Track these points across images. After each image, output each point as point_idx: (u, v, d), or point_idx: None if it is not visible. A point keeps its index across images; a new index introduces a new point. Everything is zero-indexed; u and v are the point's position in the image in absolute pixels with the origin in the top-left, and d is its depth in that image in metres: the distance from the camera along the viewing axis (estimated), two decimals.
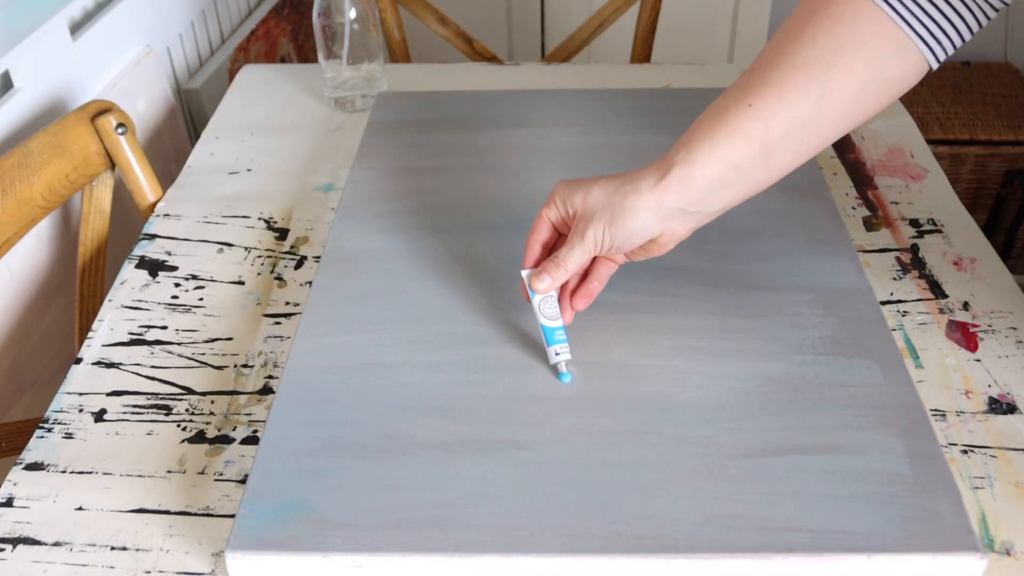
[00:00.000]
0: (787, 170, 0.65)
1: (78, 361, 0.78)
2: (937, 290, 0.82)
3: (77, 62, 1.14)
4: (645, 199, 0.65)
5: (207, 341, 0.80)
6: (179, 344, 0.80)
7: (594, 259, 0.72)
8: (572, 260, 0.68)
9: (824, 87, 0.61)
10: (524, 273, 0.71)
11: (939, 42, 0.61)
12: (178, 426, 0.72)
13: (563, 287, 0.73)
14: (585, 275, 0.73)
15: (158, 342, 0.80)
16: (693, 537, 0.58)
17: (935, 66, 0.62)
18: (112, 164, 1.01)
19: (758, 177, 0.65)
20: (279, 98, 1.17)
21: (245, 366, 0.77)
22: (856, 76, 0.61)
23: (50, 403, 0.75)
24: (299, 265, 0.88)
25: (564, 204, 0.69)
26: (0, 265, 0.98)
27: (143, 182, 1.01)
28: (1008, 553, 0.61)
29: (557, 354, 0.69)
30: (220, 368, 0.77)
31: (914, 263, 0.86)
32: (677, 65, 1.20)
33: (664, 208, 0.65)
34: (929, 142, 1.26)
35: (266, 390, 0.75)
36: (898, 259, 0.86)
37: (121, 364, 0.78)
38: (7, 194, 0.91)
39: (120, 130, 0.99)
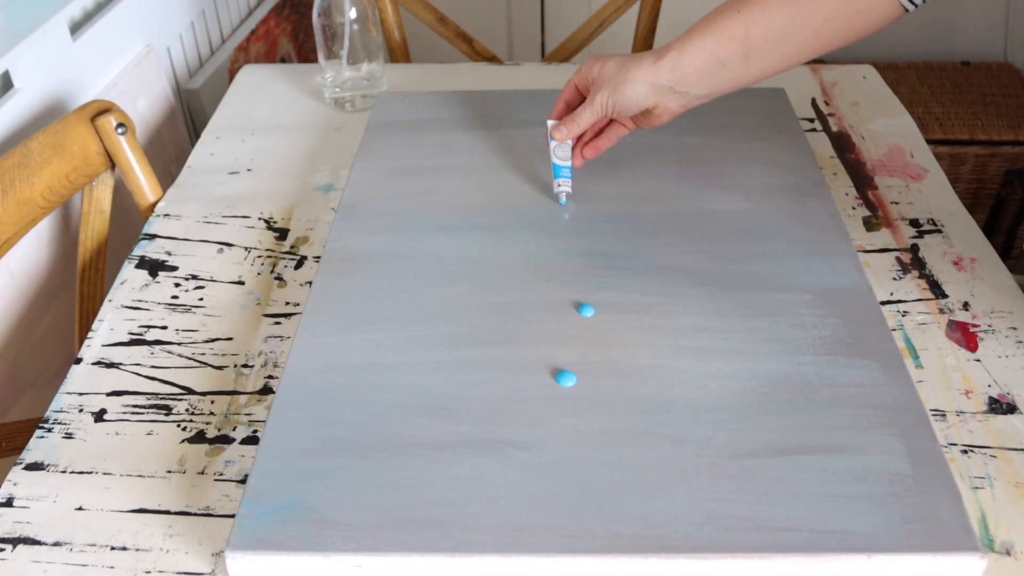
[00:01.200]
0: (766, 74, 0.78)
1: (78, 361, 0.78)
2: (937, 290, 0.82)
3: (77, 62, 1.14)
4: (642, 74, 0.79)
5: (207, 341, 0.80)
6: (179, 344, 0.80)
7: (610, 121, 0.88)
8: (583, 118, 0.84)
9: (800, 5, 0.74)
10: (549, 123, 0.87)
11: None
12: (178, 426, 0.72)
13: (579, 138, 0.89)
14: (600, 134, 0.89)
15: (158, 342, 0.80)
16: (693, 537, 0.58)
17: (910, 9, 0.73)
18: (112, 164, 1.01)
19: (740, 74, 0.78)
20: (279, 98, 1.17)
21: (245, 366, 0.77)
22: (829, 1, 0.74)
23: (50, 403, 0.75)
24: (299, 265, 0.88)
25: (586, 71, 0.84)
26: (0, 265, 0.98)
27: (143, 182, 1.01)
28: (1008, 553, 0.61)
29: (559, 186, 0.88)
30: (220, 368, 0.77)
31: (914, 263, 0.86)
32: None
33: (656, 84, 0.79)
34: (929, 142, 1.26)
35: (266, 390, 0.75)
36: (898, 259, 0.86)
37: (121, 364, 0.78)
38: (7, 194, 0.91)
39: (120, 130, 0.99)
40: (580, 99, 0.87)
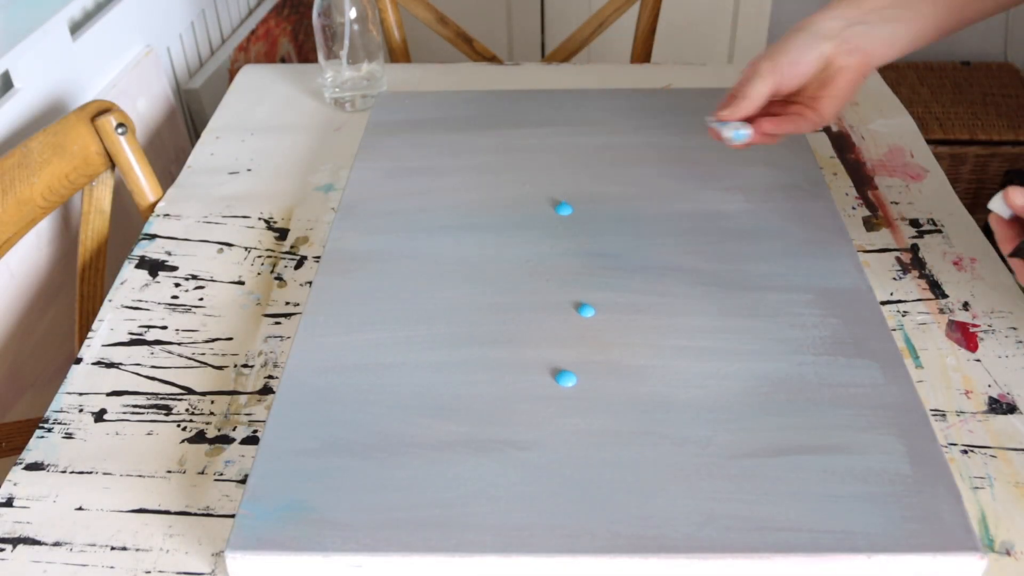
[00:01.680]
0: (951, 23, 0.69)
1: (78, 361, 0.78)
2: (937, 290, 0.82)
3: (77, 62, 1.14)
4: (805, 21, 0.70)
5: (207, 341, 0.80)
6: (179, 344, 0.80)
7: (793, 115, 0.76)
8: (753, 88, 0.72)
9: None
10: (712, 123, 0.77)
11: None
12: (178, 426, 0.72)
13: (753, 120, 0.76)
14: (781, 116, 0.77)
15: (158, 342, 0.80)
16: (693, 537, 0.58)
17: None
18: (112, 164, 1.01)
19: (924, 15, 0.68)
20: (279, 98, 1.17)
21: (245, 366, 0.77)
22: None
23: (50, 403, 0.75)
24: (299, 265, 0.88)
25: (746, 71, 0.74)
26: (0, 265, 0.98)
27: (143, 182, 1.01)
28: (1008, 553, 0.61)
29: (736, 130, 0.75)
30: (220, 368, 0.77)
31: (914, 263, 0.86)
32: (677, 65, 1.20)
33: (824, 25, 0.69)
34: (929, 142, 1.26)
35: (266, 390, 0.75)
36: (898, 259, 0.86)
37: (121, 364, 0.78)
38: (7, 194, 0.91)
39: (120, 130, 0.99)
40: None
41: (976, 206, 1.92)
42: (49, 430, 0.72)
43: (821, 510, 0.59)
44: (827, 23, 0.70)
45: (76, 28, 1.17)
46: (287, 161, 1.04)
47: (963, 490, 0.65)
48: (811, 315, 0.75)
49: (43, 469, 0.69)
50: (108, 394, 0.75)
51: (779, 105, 0.77)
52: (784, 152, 0.95)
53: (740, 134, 0.75)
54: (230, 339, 0.80)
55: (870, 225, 0.91)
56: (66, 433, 0.72)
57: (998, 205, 0.62)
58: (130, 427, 0.72)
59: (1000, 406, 0.71)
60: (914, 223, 0.91)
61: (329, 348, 0.73)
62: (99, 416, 0.73)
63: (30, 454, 0.70)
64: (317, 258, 0.89)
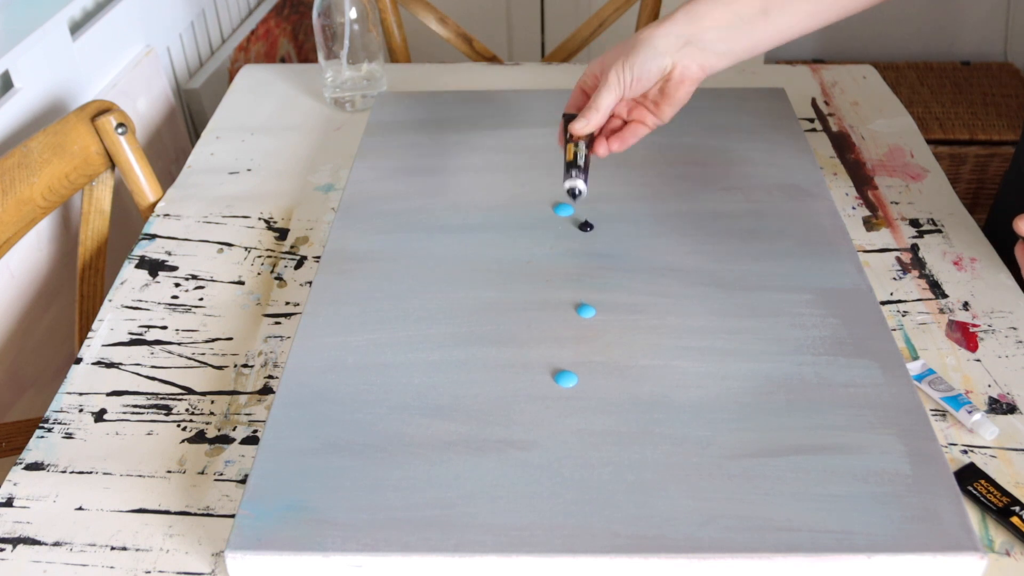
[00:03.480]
0: (785, 35, 0.73)
1: (78, 361, 0.78)
2: (937, 290, 0.82)
3: (77, 62, 1.14)
4: (653, 31, 0.74)
5: (207, 341, 0.80)
6: (179, 344, 0.80)
7: (626, 123, 0.81)
8: (602, 101, 0.76)
9: None
10: (565, 117, 0.80)
11: None
12: (178, 426, 0.72)
13: (600, 130, 0.81)
14: (622, 129, 0.82)
15: (158, 342, 0.80)
16: (693, 537, 0.58)
17: None
18: (112, 164, 1.01)
19: (759, 32, 0.73)
20: (279, 98, 1.17)
21: (245, 366, 0.77)
22: None
23: (50, 403, 0.75)
24: (299, 265, 0.88)
25: (590, 71, 0.79)
26: (0, 265, 0.98)
27: (143, 182, 1.01)
28: (1008, 554, 0.61)
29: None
30: (220, 368, 0.77)
31: (914, 263, 0.86)
32: None
33: (671, 36, 0.74)
34: (929, 142, 1.26)
35: (266, 390, 0.75)
36: (898, 259, 0.86)
37: (121, 364, 0.78)
38: (7, 194, 0.91)
39: (120, 130, 0.99)
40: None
41: (976, 206, 1.92)
42: (49, 430, 0.72)
43: (821, 510, 0.59)
44: (668, 40, 0.74)
45: (76, 28, 1.17)
46: (287, 161, 1.04)
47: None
48: (811, 315, 0.74)
49: (43, 469, 0.69)
50: (108, 394, 0.75)
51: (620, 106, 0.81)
52: (784, 152, 0.95)
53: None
54: (230, 339, 0.80)
55: (870, 225, 0.91)
56: (66, 433, 0.72)
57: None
58: (130, 427, 0.72)
59: (1000, 406, 0.71)
60: (914, 223, 0.91)
61: (329, 348, 0.73)
62: (99, 416, 0.73)
63: (30, 454, 0.70)
64: (317, 258, 0.89)
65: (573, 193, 0.77)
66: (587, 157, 0.78)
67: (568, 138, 0.79)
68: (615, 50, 0.77)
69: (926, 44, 2.20)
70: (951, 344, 0.77)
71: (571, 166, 0.78)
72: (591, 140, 0.79)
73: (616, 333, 0.74)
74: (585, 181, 0.77)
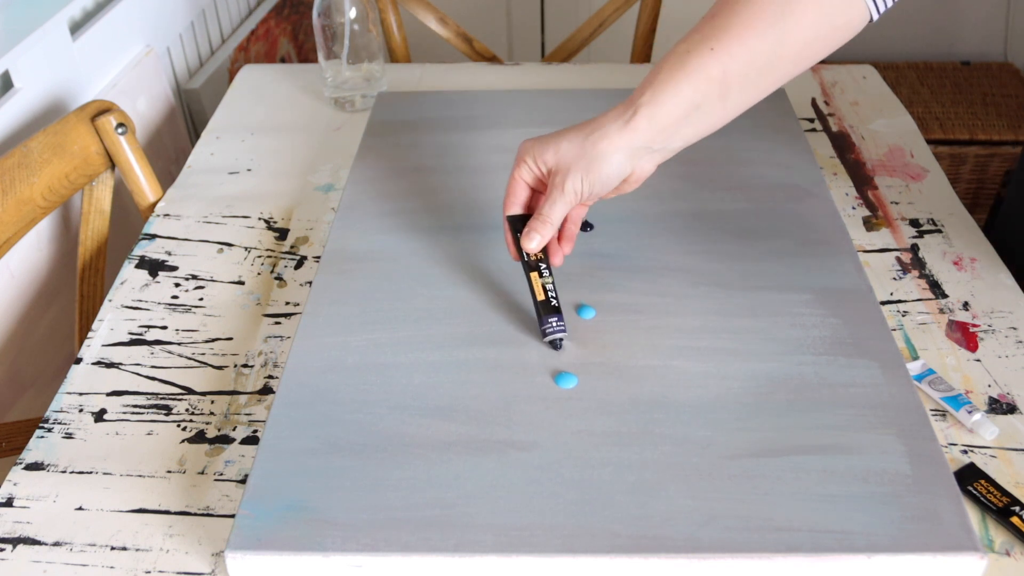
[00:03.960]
0: (742, 109, 0.70)
1: (78, 361, 0.78)
2: (937, 290, 0.82)
3: (77, 62, 1.14)
4: (616, 142, 0.69)
5: (207, 341, 0.80)
6: (179, 344, 0.80)
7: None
8: (556, 214, 0.72)
9: (781, 33, 0.66)
10: (510, 220, 0.74)
11: None
12: (178, 426, 0.72)
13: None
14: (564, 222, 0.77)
15: (158, 342, 0.80)
16: (693, 537, 0.58)
17: (875, 17, 0.67)
18: (112, 164, 1.01)
19: (717, 116, 0.70)
20: (279, 98, 1.17)
21: (245, 366, 0.77)
22: (809, 22, 0.66)
23: (50, 403, 0.75)
24: (299, 265, 0.88)
25: (536, 163, 0.73)
26: (0, 265, 0.98)
27: (143, 182, 1.01)
28: (1008, 554, 0.61)
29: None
30: (220, 368, 0.77)
31: (914, 263, 0.86)
32: None
33: (633, 148, 0.70)
34: (929, 142, 1.26)
35: (266, 390, 0.75)
36: (898, 259, 0.86)
37: (121, 364, 0.78)
38: (7, 194, 0.91)
39: (120, 130, 0.99)
40: (532, 194, 0.75)
41: (976, 206, 1.92)
42: (49, 430, 0.72)
43: (821, 510, 0.59)
44: (630, 151, 0.70)
45: (76, 28, 1.17)
46: (287, 161, 1.04)
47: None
48: (811, 315, 0.74)
49: (43, 469, 0.69)
50: (108, 394, 0.75)
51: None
52: (784, 152, 0.95)
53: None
54: (230, 339, 0.80)
55: (870, 225, 0.91)
56: (66, 433, 0.72)
57: None
58: (130, 427, 0.72)
59: (1000, 406, 0.71)
60: (914, 223, 0.91)
61: (329, 348, 0.73)
62: (99, 416, 0.73)
63: (30, 454, 0.70)
64: (317, 258, 0.89)
65: (556, 345, 0.72)
66: (554, 284, 0.73)
67: (524, 258, 0.74)
68: (565, 146, 0.71)
69: (926, 44, 2.20)
70: (951, 344, 0.77)
71: (546, 310, 0.72)
72: (545, 251, 0.75)
73: (616, 333, 0.74)
74: (563, 319, 0.72)
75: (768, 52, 0.67)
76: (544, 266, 0.74)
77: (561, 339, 0.72)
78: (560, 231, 0.76)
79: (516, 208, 0.75)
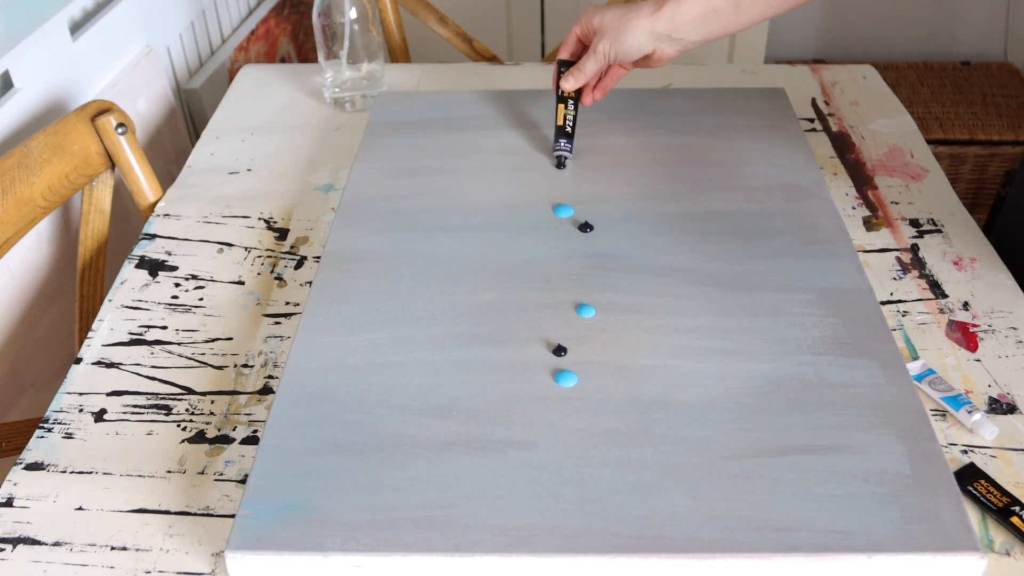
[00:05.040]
0: (754, 21, 0.84)
1: (78, 361, 0.78)
2: (937, 290, 0.82)
3: (77, 62, 1.14)
4: (643, 24, 0.85)
5: (207, 341, 0.80)
6: (179, 344, 0.80)
7: (609, 66, 0.92)
8: (588, 67, 0.90)
9: None
10: (560, 63, 0.93)
11: None
12: (178, 426, 0.72)
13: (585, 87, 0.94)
14: (603, 76, 0.95)
15: (158, 342, 0.80)
16: (693, 537, 0.58)
17: None
18: (112, 164, 1.01)
19: (731, 21, 0.83)
20: (279, 98, 1.17)
21: (245, 366, 0.77)
22: None
23: (50, 403, 0.75)
24: (299, 265, 0.88)
25: (587, 22, 0.89)
26: (0, 265, 0.98)
27: (143, 182, 1.01)
28: (1008, 554, 0.61)
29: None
30: (220, 368, 0.77)
31: (914, 263, 0.86)
32: (677, 65, 1.19)
33: (655, 32, 0.85)
34: (929, 142, 1.26)
35: (266, 390, 0.75)
36: (898, 259, 0.86)
37: (121, 364, 0.78)
38: (7, 194, 0.91)
39: (120, 130, 0.99)
40: (582, 48, 0.92)
41: (976, 206, 1.92)
42: (49, 430, 0.72)
43: (821, 510, 0.59)
44: (652, 33, 0.84)
45: (76, 28, 1.17)
46: (287, 161, 1.04)
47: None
48: (811, 315, 0.74)
49: (43, 469, 0.69)
50: (108, 394, 0.75)
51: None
52: (784, 152, 0.95)
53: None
54: (230, 339, 0.80)
55: (870, 225, 0.91)
56: (66, 433, 0.72)
57: None
58: (130, 427, 0.72)
59: (1000, 406, 0.71)
60: (914, 223, 0.91)
61: (329, 348, 0.73)
62: (99, 416, 0.73)
63: (30, 454, 0.70)
64: (317, 258, 0.89)
65: (560, 162, 0.93)
66: (575, 119, 0.93)
67: (559, 95, 0.93)
68: (609, 16, 0.87)
69: (926, 44, 2.20)
70: (951, 344, 0.77)
71: (561, 134, 0.93)
72: (579, 92, 0.94)
73: (616, 333, 0.74)
74: (571, 144, 0.93)
75: None
76: (572, 102, 0.93)
77: (565, 157, 0.93)
78: (598, 82, 0.94)
79: (565, 54, 0.92)
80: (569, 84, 0.91)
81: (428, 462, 0.63)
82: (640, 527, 0.58)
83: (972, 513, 0.63)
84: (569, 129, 0.93)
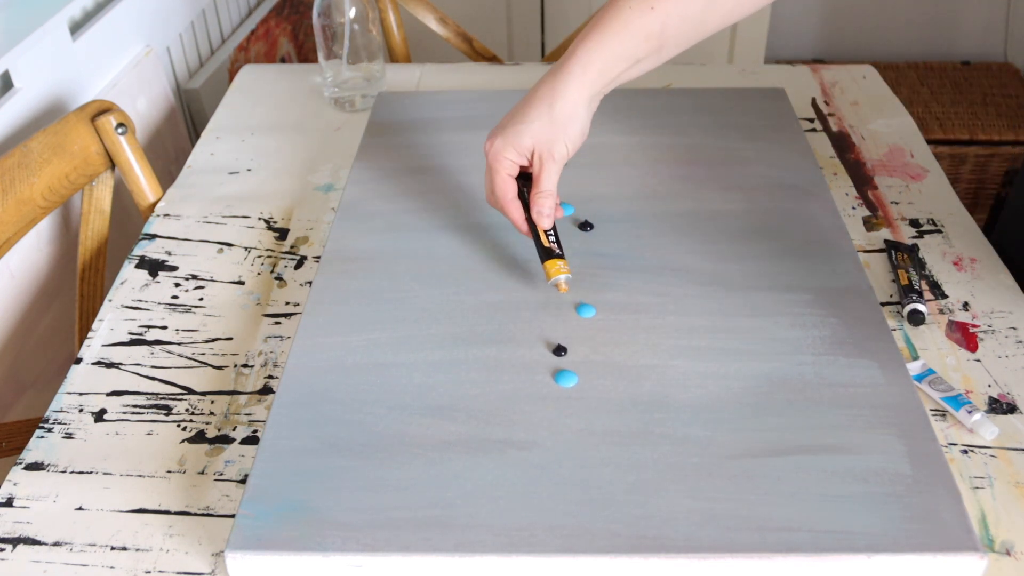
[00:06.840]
0: (671, 57, 0.79)
1: (78, 361, 0.78)
2: (937, 290, 0.82)
3: (77, 62, 1.14)
4: (577, 102, 0.76)
5: (207, 341, 0.80)
6: (179, 344, 0.80)
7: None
8: (553, 182, 0.77)
9: None
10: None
11: None
12: (178, 426, 0.72)
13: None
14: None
15: (158, 342, 0.80)
16: (693, 537, 0.58)
17: None
18: (112, 164, 1.01)
19: (652, 64, 0.78)
20: (279, 98, 1.17)
21: (245, 366, 0.77)
22: None
23: (50, 403, 0.75)
24: (299, 265, 0.88)
25: (517, 152, 0.76)
26: (0, 265, 0.98)
27: (143, 182, 1.01)
28: (1008, 553, 0.61)
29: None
30: (220, 368, 0.77)
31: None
32: (677, 65, 1.19)
33: (590, 98, 0.77)
34: (929, 142, 1.26)
35: (266, 390, 0.75)
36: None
37: (121, 364, 0.78)
38: (7, 194, 0.91)
39: (120, 130, 0.99)
40: (518, 185, 0.78)
41: (976, 206, 1.92)
42: (49, 430, 0.72)
43: (821, 510, 0.59)
44: (588, 104, 0.76)
45: (76, 28, 1.17)
46: (287, 161, 1.04)
47: (963, 490, 0.65)
48: (811, 315, 0.75)
49: (43, 469, 0.69)
50: (108, 394, 0.75)
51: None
52: (784, 152, 0.95)
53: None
54: (230, 339, 0.80)
55: (870, 225, 0.91)
56: (66, 433, 0.72)
57: None
58: (130, 427, 0.72)
59: (1000, 406, 0.71)
60: (914, 223, 0.91)
61: (329, 348, 0.73)
62: (99, 416, 0.73)
63: (30, 454, 0.70)
64: (317, 258, 0.89)
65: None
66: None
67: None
68: (539, 122, 0.75)
69: (926, 44, 2.20)
70: (951, 344, 0.77)
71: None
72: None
73: (616, 333, 0.74)
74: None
75: (702, 11, 0.75)
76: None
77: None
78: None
79: (515, 213, 0.78)
80: (549, 220, 0.77)
81: (428, 462, 0.63)
82: (640, 527, 0.58)
83: (972, 513, 0.63)
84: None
